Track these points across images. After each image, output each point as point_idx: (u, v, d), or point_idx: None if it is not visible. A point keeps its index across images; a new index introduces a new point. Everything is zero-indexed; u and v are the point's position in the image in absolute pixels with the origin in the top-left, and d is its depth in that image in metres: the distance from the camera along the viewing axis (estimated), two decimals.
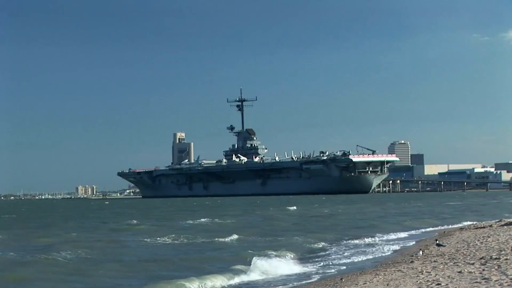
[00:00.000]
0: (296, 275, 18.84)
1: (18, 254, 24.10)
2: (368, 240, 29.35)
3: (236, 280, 17.90)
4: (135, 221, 46.71)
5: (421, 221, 42.02)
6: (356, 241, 28.85)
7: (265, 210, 65.21)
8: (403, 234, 32.82)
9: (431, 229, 36.07)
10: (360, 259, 21.96)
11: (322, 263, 21.26)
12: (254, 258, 20.40)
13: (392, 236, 31.72)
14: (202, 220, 46.36)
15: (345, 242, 28.82)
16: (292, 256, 23.31)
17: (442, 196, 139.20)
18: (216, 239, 30.03)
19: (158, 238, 30.83)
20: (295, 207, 67.49)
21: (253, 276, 18.43)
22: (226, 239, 29.96)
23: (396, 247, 25.60)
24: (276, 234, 32.82)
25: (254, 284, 17.67)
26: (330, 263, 21.17)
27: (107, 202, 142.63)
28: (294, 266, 20.15)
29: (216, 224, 42.03)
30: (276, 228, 37.98)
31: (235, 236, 31.01)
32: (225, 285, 17.33)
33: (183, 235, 31.89)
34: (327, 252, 24.95)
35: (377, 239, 29.94)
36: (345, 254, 23.89)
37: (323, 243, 27.96)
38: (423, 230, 35.77)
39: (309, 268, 20.08)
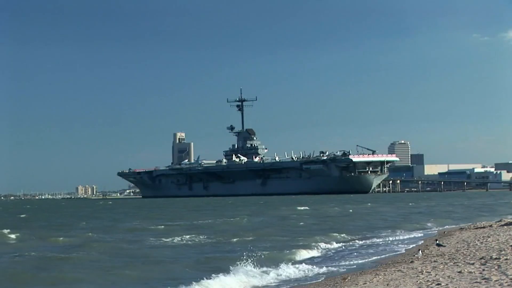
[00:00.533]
0: (307, 275, 19.12)
1: (43, 254, 24.51)
2: (382, 240, 29.80)
3: (249, 279, 18.11)
4: (147, 221, 47.04)
5: (437, 221, 42.08)
6: (374, 240, 29.30)
7: (276, 210, 64.92)
8: (418, 234, 33.03)
9: (446, 227, 36.51)
10: (375, 258, 22.21)
11: (334, 263, 21.52)
12: (265, 258, 21.02)
13: (406, 235, 31.99)
14: (216, 220, 46.63)
15: (361, 242, 29.11)
16: (307, 256, 23.80)
17: (444, 196, 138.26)
18: (234, 239, 30.45)
19: (176, 238, 31.13)
20: (306, 207, 67.22)
21: (267, 276, 18.62)
22: (242, 239, 30.36)
23: (410, 246, 25.83)
24: (292, 234, 32.96)
25: (263, 285, 17.86)
26: (342, 263, 21.41)
27: (111, 202, 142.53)
28: (307, 266, 20.36)
29: (229, 224, 42.21)
30: (292, 228, 38.16)
31: (252, 236, 31.46)
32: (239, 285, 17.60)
33: (201, 235, 32.26)
34: (341, 252, 25.29)
35: (392, 238, 30.38)
36: (358, 254, 24.17)
37: (338, 243, 28.34)
38: (439, 228, 35.94)
39: (321, 267, 20.29)
